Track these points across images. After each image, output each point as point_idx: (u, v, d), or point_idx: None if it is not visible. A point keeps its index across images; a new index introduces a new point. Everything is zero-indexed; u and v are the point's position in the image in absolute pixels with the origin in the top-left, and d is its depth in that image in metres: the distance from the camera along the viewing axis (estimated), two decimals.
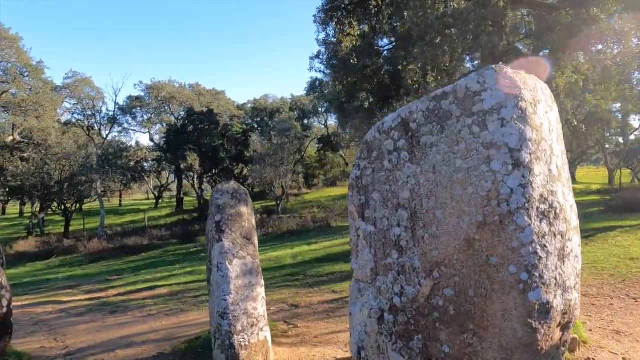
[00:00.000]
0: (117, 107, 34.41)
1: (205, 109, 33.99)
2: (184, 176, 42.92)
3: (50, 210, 30.03)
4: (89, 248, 21.08)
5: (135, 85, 58.51)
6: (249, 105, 53.81)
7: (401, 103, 11.69)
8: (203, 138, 32.50)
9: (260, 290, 4.62)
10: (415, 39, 7.85)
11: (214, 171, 40.43)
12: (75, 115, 29.57)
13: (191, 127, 32.63)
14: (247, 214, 4.84)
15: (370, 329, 2.68)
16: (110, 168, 24.27)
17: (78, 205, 29.42)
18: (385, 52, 11.40)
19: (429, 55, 7.58)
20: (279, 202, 27.40)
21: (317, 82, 39.24)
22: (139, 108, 43.32)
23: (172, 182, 56.54)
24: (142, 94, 43.36)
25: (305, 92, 40.42)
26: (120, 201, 54.21)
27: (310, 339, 5.25)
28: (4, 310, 5.17)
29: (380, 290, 2.63)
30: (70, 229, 30.60)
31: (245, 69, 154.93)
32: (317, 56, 11.55)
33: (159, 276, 12.48)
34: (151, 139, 44.54)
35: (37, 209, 37.67)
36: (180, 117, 42.09)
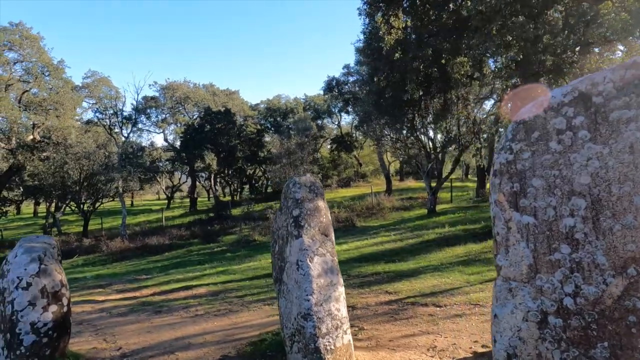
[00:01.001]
0: (137, 105, 34.37)
1: (222, 109, 33.82)
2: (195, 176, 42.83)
3: (69, 209, 30.04)
4: (111, 247, 20.96)
5: (150, 85, 58.63)
6: (262, 106, 53.71)
7: (448, 95, 11.32)
8: (220, 137, 32.30)
9: (342, 290, 4.31)
10: (474, 28, 7.50)
11: (228, 171, 40.32)
12: (97, 114, 29.55)
13: (208, 126, 32.46)
14: (324, 209, 4.54)
15: (527, 334, 2.36)
16: (131, 167, 24.16)
17: (95, 205, 29.34)
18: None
19: (491, 45, 7.23)
20: None
21: (334, 81, 39.18)
22: (153, 108, 43.37)
23: (183, 183, 56.58)
24: (157, 94, 43.45)
25: (322, 91, 40.19)
26: (132, 201, 54.24)
27: (384, 342, 4.93)
28: (64, 309, 4.91)
29: (542, 290, 2.30)
30: (92, 228, 30.67)
31: (256, 70, 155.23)
32: (363, 50, 11.17)
33: (190, 276, 12.24)
34: (165, 139, 44.53)
35: (53, 209, 37.78)
36: (195, 117, 42.04)
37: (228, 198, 45.16)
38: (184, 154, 36.94)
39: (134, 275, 13.86)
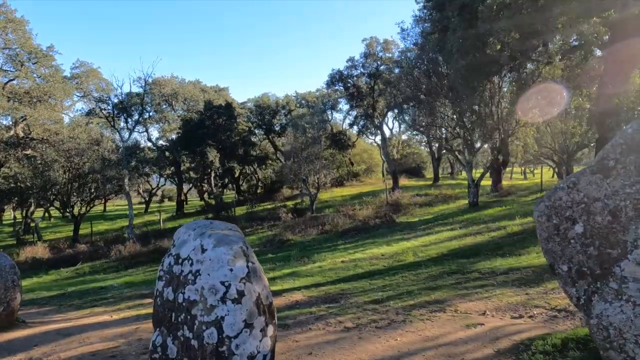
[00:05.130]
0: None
1: (223, 103, 31.69)
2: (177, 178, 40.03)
3: (60, 213, 27.20)
4: (120, 251, 18.63)
5: (134, 81, 54.12)
6: (249, 104, 51.48)
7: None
8: (221, 133, 30.19)
9: None
10: None
11: (217, 171, 37.97)
12: (100, 104, 26.73)
13: (209, 121, 30.26)
14: None
15: None
16: (140, 163, 21.81)
17: (88, 208, 26.58)
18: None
19: None
20: (313, 199, 25.44)
21: (338, 75, 37.66)
22: (138, 105, 40.40)
23: (162, 186, 53.35)
24: (141, 90, 40.43)
25: (325, 85, 38.66)
26: (105, 206, 50.35)
27: None
28: (276, 329, 3.21)
29: None
30: (70, 234, 27.75)
31: (239, 69, 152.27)
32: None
33: None
34: (148, 139, 41.39)
35: (26, 214, 34.12)
36: (187, 115, 39.37)
37: (212, 201, 42.31)
38: (170, 154, 33.90)
39: None
